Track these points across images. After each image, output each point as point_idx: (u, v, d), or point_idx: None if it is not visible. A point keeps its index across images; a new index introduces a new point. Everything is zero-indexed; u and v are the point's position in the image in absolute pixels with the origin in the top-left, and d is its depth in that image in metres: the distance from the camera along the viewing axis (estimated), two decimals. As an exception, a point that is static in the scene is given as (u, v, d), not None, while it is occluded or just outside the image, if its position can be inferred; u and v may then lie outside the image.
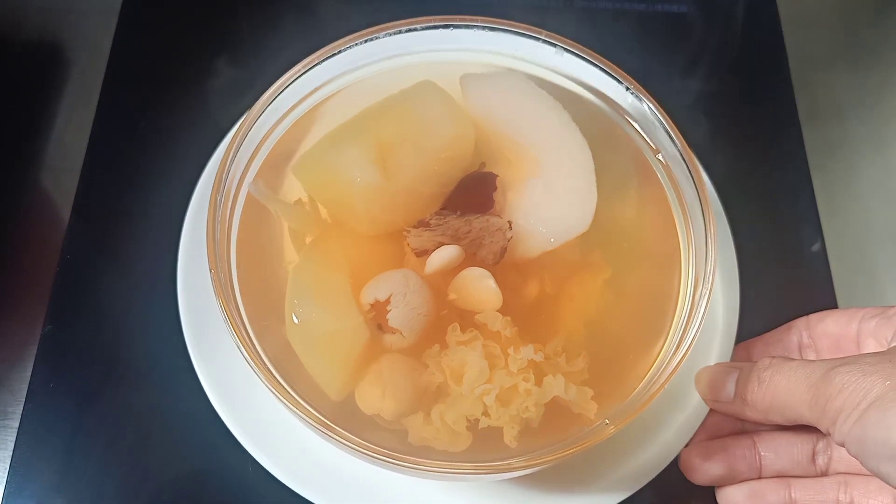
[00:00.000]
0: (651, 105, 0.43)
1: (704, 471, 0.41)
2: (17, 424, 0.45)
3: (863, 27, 0.65)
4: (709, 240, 0.40)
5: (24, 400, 0.45)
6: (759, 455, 0.41)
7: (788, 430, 0.41)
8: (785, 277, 0.52)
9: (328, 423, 0.35)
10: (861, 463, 0.34)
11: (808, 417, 0.35)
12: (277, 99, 0.42)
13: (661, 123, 0.43)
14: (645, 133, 0.45)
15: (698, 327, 0.38)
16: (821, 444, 0.40)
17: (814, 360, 0.36)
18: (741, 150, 0.57)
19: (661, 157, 0.44)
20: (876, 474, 0.33)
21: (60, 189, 0.52)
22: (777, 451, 0.41)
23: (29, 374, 0.46)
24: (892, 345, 0.38)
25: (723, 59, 0.60)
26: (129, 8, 0.58)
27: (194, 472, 0.44)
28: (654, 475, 0.42)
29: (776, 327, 0.45)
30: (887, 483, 0.33)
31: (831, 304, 0.51)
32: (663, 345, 0.40)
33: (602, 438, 0.35)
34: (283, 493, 0.41)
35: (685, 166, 0.42)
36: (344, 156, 0.40)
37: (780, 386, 0.37)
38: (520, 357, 0.37)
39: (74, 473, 0.44)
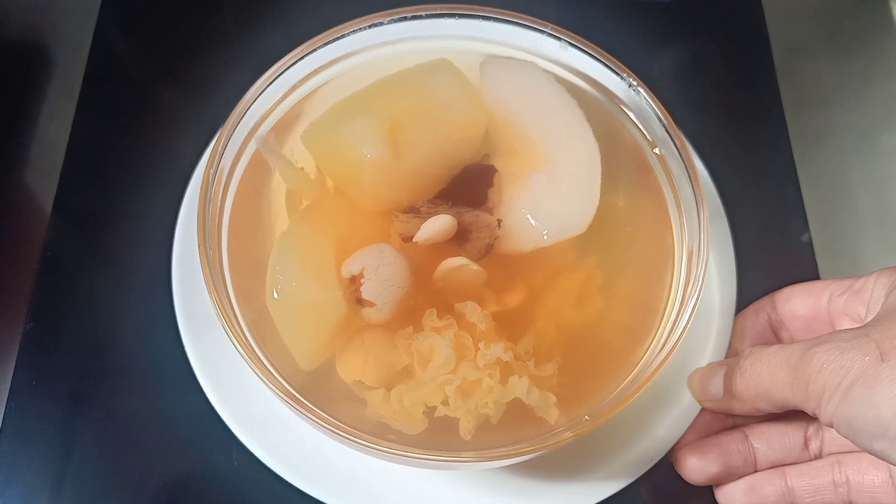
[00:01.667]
0: (651, 101, 0.43)
1: (701, 470, 0.41)
2: (-1, 423, 0.45)
3: (847, 16, 0.65)
4: (702, 247, 0.39)
5: (6, 399, 0.45)
6: (753, 448, 0.40)
7: (778, 419, 0.41)
8: (770, 267, 0.52)
9: (293, 392, 0.36)
10: (853, 442, 0.33)
11: (792, 401, 0.35)
12: (293, 67, 0.42)
13: (660, 118, 0.43)
14: (643, 128, 0.44)
15: (682, 331, 0.37)
16: (811, 429, 0.40)
17: (791, 344, 0.36)
18: (726, 140, 0.57)
19: (657, 151, 0.44)
20: (870, 452, 0.33)
21: (42, 187, 0.52)
22: (769, 441, 0.40)
23: (11, 373, 0.46)
24: (867, 320, 0.37)
25: (706, 49, 0.60)
26: (109, 5, 0.58)
27: (184, 470, 0.44)
28: (649, 467, 0.42)
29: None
30: (883, 459, 0.32)
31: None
32: (647, 350, 0.40)
33: (559, 443, 0.35)
34: (286, 489, 0.41)
35: (684, 167, 0.42)
36: (355, 129, 0.39)
37: (761, 373, 0.36)
38: (488, 353, 0.36)
39: (58, 473, 0.44)
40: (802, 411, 0.35)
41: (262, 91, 0.42)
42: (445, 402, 0.36)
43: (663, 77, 0.58)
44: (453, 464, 0.36)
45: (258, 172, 0.43)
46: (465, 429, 0.36)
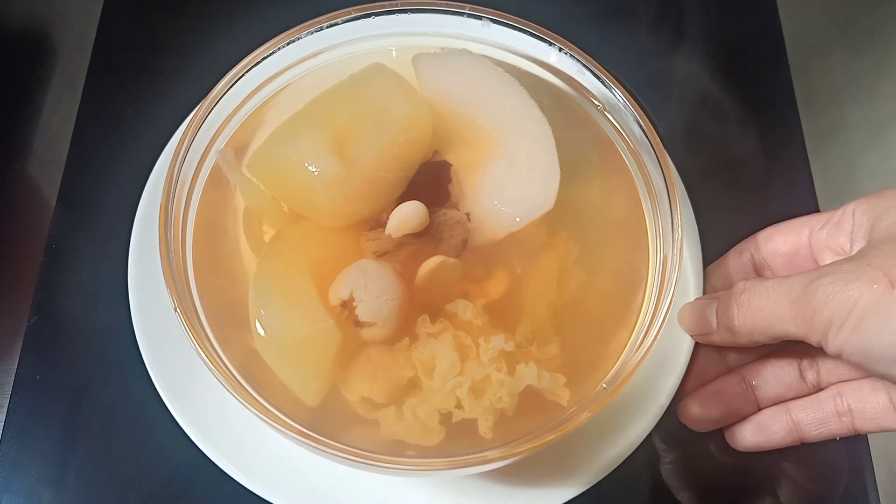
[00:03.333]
0: (611, 84, 0.42)
1: (705, 417, 0.41)
2: (3, 417, 0.44)
3: (860, 12, 0.65)
4: (675, 216, 0.39)
5: (10, 392, 0.45)
6: (752, 386, 0.41)
7: (771, 356, 0.41)
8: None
9: (306, 431, 0.35)
10: (864, 369, 0.34)
11: (794, 333, 0.35)
12: (231, 90, 0.42)
13: (621, 99, 0.42)
14: (609, 112, 0.44)
15: (670, 302, 0.37)
16: (805, 361, 0.41)
17: (790, 276, 0.36)
18: (739, 136, 0.56)
19: (624, 135, 0.43)
20: (884, 378, 0.34)
21: (46, 178, 0.52)
22: (767, 378, 0.41)
23: (15, 366, 0.46)
24: (852, 251, 0.37)
25: (720, 44, 0.60)
26: (113, -5, 0.57)
27: (181, 464, 0.43)
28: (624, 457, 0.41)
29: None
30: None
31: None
32: (636, 322, 0.39)
33: (578, 424, 0.35)
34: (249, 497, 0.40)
35: (649, 144, 0.41)
36: (300, 148, 0.38)
37: (761, 307, 0.37)
38: (490, 347, 0.36)
39: (62, 466, 0.44)
40: (792, 346, 0.36)
41: (205, 118, 0.41)
42: (459, 406, 0.36)
43: (676, 72, 0.58)
44: (480, 466, 0.35)
45: (215, 211, 0.41)
46: (485, 427, 0.36)
